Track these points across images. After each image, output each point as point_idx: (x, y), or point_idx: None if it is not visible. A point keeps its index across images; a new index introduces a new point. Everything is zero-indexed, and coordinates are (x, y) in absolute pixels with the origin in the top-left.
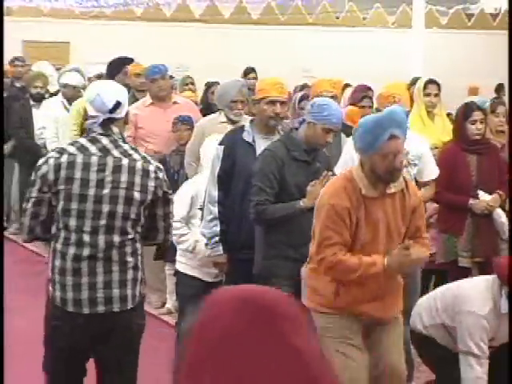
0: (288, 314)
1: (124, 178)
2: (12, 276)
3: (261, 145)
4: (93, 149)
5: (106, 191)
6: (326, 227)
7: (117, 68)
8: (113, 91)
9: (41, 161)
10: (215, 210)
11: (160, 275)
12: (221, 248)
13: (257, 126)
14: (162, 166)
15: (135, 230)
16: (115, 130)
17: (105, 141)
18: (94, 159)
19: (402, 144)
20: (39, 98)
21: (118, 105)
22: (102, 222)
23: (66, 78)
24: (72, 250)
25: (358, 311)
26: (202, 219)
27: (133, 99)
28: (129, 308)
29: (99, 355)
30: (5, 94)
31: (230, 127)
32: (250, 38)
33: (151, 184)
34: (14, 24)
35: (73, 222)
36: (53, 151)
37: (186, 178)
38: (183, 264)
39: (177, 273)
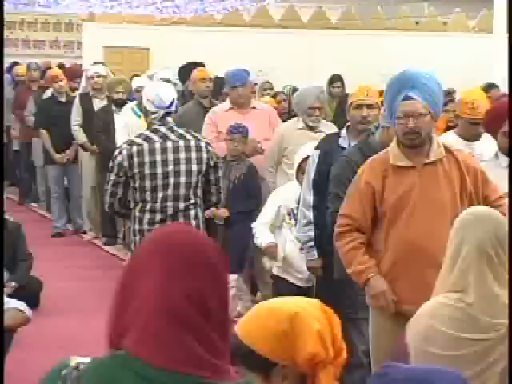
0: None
1: (182, 155)
2: (90, 280)
3: None
4: (155, 137)
5: (170, 168)
6: (348, 197)
7: (186, 73)
8: (168, 90)
9: (116, 151)
10: (310, 214)
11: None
12: (315, 252)
13: (351, 131)
14: (210, 142)
15: (196, 196)
16: (170, 119)
17: (163, 129)
18: (157, 145)
19: (419, 106)
20: (120, 104)
21: (173, 101)
22: (170, 192)
23: (137, 82)
24: (147, 216)
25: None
26: (296, 224)
27: (199, 106)
28: None
29: None
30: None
31: (308, 133)
32: (329, 43)
33: (204, 156)
34: (95, 30)
35: (147, 195)
36: (124, 143)
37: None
38: (278, 267)
39: (272, 276)
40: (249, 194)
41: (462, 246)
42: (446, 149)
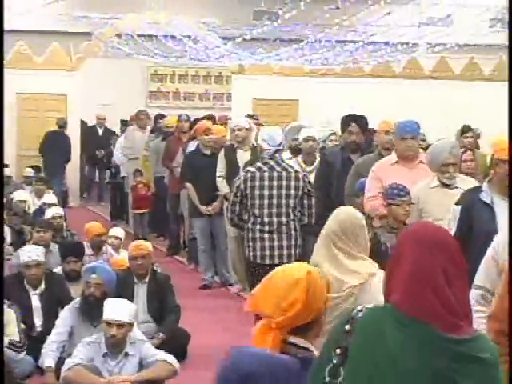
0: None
1: (284, 182)
2: (236, 333)
3: (500, 205)
4: (265, 168)
5: (274, 191)
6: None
7: (345, 125)
8: (279, 134)
9: (236, 178)
10: None
11: None
12: None
13: (495, 186)
14: (307, 174)
15: (294, 214)
16: (277, 155)
17: (271, 162)
18: (266, 174)
19: None
20: None
21: (282, 141)
22: (274, 210)
23: (305, 132)
24: (257, 227)
25: None
26: None
27: (379, 157)
28: (292, 261)
29: None
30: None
31: (444, 191)
32: (482, 94)
33: (301, 185)
34: (245, 82)
35: (257, 211)
36: (242, 171)
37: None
38: None
39: None
40: None
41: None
42: None
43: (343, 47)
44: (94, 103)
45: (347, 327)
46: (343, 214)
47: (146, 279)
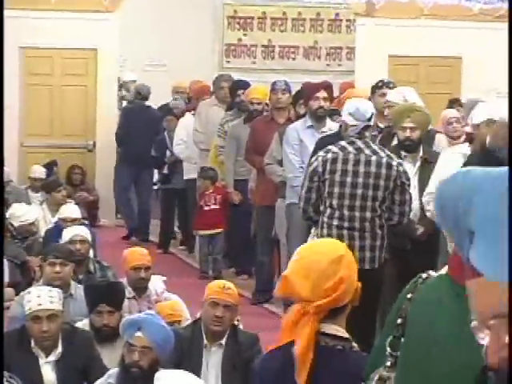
0: None
1: (373, 169)
2: None
3: None
4: (350, 148)
5: (360, 179)
6: None
7: None
8: (368, 105)
9: (312, 158)
10: None
11: None
12: None
13: None
14: (402, 162)
15: (381, 208)
16: (367, 134)
17: (359, 143)
18: (351, 156)
19: None
20: (409, 146)
21: (372, 115)
22: (357, 202)
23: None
24: (335, 222)
25: None
26: None
27: None
28: (376, 267)
29: None
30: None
31: None
32: None
33: (393, 174)
34: (376, 30)
35: (335, 202)
36: (321, 151)
37: None
38: None
39: None
40: None
41: None
42: None
43: None
44: (140, 63)
45: (409, 295)
46: None
47: (223, 341)
